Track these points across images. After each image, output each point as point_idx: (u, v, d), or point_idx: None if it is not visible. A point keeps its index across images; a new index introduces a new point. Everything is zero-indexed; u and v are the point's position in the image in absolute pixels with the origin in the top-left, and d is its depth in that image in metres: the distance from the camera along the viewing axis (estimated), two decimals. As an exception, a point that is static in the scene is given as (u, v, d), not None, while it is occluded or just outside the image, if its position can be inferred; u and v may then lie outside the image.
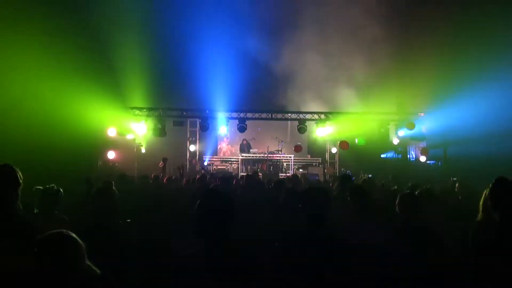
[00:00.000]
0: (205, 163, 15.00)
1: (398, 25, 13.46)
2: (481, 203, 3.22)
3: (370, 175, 12.58)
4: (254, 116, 15.19)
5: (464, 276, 2.68)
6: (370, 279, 2.86)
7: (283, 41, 14.71)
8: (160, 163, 9.53)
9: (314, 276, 2.55)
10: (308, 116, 15.06)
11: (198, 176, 8.09)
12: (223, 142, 18.32)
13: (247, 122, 15.13)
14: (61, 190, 4.11)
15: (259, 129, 17.73)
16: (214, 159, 16.92)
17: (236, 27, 14.06)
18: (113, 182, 5.69)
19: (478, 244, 2.67)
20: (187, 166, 16.53)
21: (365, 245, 2.99)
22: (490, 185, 2.80)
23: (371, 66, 14.06)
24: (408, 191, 4.02)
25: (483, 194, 3.20)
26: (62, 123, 11.26)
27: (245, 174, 9.07)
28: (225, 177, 7.78)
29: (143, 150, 15.80)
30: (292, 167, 15.88)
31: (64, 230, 2.33)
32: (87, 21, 11.85)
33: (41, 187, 4.15)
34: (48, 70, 10.08)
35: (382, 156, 16.36)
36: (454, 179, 9.41)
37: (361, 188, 4.16)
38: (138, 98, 15.13)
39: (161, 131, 14.53)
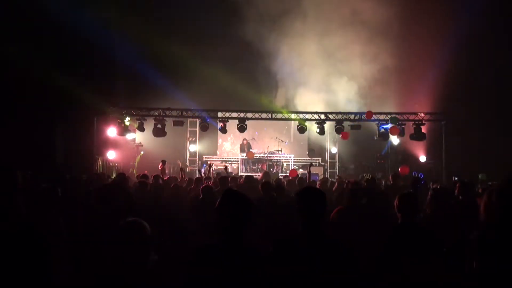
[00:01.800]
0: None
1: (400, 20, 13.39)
2: (483, 204, 3.12)
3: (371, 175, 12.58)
4: (254, 116, 15.16)
5: (464, 277, 2.67)
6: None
7: (283, 38, 14.72)
8: (160, 165, 9.58)
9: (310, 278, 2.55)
10: (308, 116, 15.03)
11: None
12: (226, 142, 18.30)
13: (250, 122, 15.16)
14: (59, 189, 4.09)
15: (265, 129, 17.72)
16: (214, 159, 16.91)
17: (236, 24, 14.05)
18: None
19: (482, 245, 2.64)
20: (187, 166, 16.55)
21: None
22: (500, 185, 2.74)
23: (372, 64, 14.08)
24: (408, 191, 4.01)
25: (486, 195, 3.13)
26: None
27: (244, 174, 8.96)
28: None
29: (142, 152, 15.80)
30: (292, 167, 15.87)
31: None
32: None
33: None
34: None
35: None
36: (455, 178, 9.44)
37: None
38: (139, 97, 15.16)
39: (161, 131, 14.52)
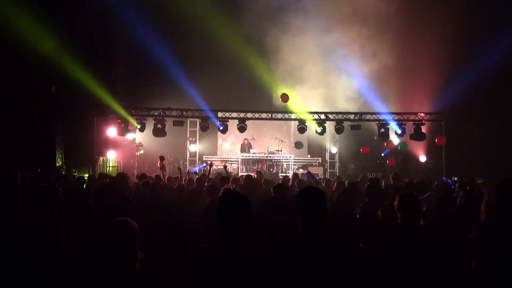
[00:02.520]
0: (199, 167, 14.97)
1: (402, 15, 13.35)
2: (484, 204, 3.10)
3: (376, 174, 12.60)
4: (254, 116, 15.13)
5: (463, 277, 2.67)
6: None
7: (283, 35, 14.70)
8: (158, 163, 9.52)
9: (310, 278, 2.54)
10: (308, 116, 15.00)
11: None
12: (226, 142, 18.30)
13: (251, 122, 15.12)
14: (60, 188, 4.08)
15: (265, 129, 17.70)
16: (214, 159, 16.90)
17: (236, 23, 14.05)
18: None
19: (482, 246, 2.63)
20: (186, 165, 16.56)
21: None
22: (499, 185, 2.73)
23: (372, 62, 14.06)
24: (407, 191, 4.00)
25: (486, 195, 3.12)
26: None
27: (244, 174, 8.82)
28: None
29: (141, 151, 15.79)
30: (292, 167, 15.87)
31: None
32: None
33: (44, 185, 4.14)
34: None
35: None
36: (455, 178, 9.44)
37: None
38: (138, 97, 15.16)
39: (161, 131, 14.50)
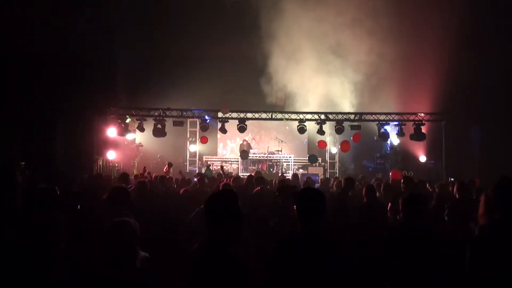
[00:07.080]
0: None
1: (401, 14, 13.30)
2: (482, 204, 3.11)
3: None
4: (254, 116, 15.12)
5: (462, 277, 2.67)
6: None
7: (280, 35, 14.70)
8: (165, 168, 9.54)
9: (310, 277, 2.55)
10: (308, 116, 14.98)
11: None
12: (227, 143, 18.30)
13: (253, 122, 15.14)
14: (56, 188, 4.06)
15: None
16: (214, 159, 16.92)
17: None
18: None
19: (481, 246, 2.63)
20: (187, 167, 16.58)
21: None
22: (496, 186, 2.74)
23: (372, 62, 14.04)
24: (410, 193, 3.99)
25: (484, 195, 3.13)
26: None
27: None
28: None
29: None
30: (292, 167, 15.88)
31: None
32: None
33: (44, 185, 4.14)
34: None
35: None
36: (452, 179, 9.42)
37: None
38: (138, 97, 15.16)
39: (161, 131, 14.50)
